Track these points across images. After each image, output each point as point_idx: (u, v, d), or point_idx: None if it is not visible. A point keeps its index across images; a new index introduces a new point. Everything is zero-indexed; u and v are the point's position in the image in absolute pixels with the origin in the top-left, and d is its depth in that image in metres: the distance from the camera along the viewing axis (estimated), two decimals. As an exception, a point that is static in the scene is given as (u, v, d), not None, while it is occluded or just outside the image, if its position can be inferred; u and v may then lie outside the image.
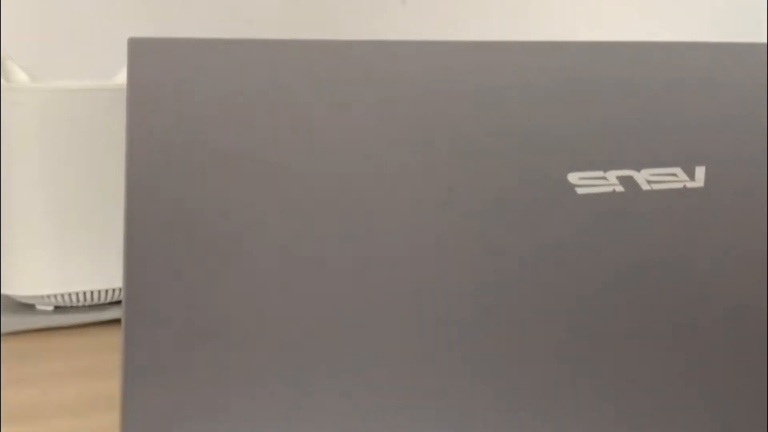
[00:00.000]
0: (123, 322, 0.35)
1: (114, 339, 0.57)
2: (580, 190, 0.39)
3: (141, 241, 0.36)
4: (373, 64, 0.43)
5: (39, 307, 0.60)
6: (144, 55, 0.44)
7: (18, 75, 0.65)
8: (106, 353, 0.55)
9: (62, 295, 0.59)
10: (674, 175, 0.40)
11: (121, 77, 0.67)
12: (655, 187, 0.40)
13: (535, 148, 0.41)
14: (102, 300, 0.61)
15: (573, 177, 0.39)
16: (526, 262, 0.38)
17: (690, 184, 0.40)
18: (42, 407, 0.48)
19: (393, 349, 0.37)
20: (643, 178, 0.40)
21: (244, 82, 0.44)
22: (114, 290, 0.61)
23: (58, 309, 0.61)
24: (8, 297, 0.61)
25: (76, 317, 0.59)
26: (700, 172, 0.41)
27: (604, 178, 0.40)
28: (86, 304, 0.61)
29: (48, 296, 0.59)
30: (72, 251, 0.59)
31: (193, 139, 0.39)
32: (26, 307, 0.61)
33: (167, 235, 0.36)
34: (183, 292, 0.36)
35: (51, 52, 0.72)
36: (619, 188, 0.39)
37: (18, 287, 0.59)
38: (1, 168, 0.58)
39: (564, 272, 0.38)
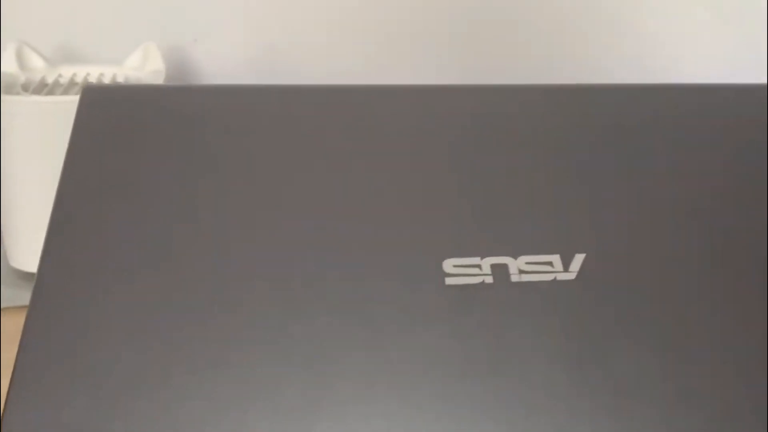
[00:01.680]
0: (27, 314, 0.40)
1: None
2: (448, 281, 0.42)
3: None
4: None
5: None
6: (94, 100, 0.49)
7: (35, 61, 0.70)
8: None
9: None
10: (549, 263, 0.43)
11: (129, 62, 0.72)
12: (525, 278, 0.42)
13: (415, 231, 0.43)
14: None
15: (447, 264, 0.42)
16: (394, 353, 0.40)
17: (561, 276, 0.42)
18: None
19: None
20: (517, 266, 0.42)
21: (190, 125, 0.48)
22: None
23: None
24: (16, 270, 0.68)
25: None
26: (578, 261, 0.43)
27: (479, 266, 0.42)
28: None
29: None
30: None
31: (127, 169, 0.45)
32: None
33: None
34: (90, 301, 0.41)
35: (69, 36, 0.77)
36: (489, 279, 0.42)
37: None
38: (3, 154, 0.64)
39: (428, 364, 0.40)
